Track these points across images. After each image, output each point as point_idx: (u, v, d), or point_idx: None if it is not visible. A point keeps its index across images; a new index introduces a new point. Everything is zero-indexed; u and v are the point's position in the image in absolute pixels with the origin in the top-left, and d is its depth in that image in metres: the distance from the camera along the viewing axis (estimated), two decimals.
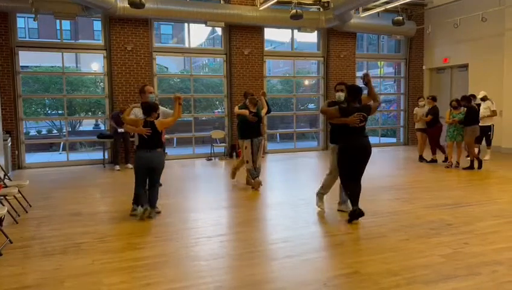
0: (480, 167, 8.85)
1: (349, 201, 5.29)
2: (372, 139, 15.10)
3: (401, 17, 11.45)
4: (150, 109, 5.36)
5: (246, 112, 7.20)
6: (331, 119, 5.30)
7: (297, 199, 6.58)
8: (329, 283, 3.47)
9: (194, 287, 3.42)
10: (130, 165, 9.76)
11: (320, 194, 5.73)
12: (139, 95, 6.01)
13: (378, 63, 16.07)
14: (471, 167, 8.89)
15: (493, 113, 9.90)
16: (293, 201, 6.49)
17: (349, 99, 5.14)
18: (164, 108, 5.94)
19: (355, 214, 5.09)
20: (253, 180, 7.26)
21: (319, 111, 6.12)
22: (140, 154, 5.38)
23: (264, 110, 7.53)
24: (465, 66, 12.89)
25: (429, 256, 3.98)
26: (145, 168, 5.37)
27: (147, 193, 5.47)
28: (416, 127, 10.44)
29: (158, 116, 5.44)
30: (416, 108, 10.41)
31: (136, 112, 5.53)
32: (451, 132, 9.08)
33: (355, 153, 5.11)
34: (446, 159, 9.48)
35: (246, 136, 7.27)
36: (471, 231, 4.73)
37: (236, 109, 7.49)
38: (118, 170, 9.88)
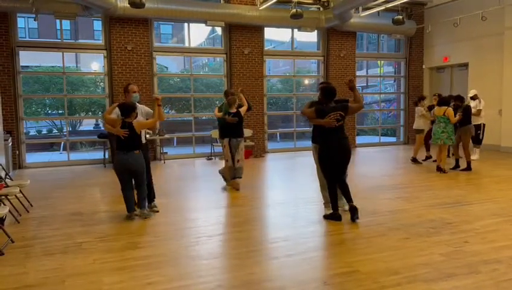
0: (469, 167, 8.62)
1: (343, 198, 5.33)
2: (372, 139, 15.01)
3: (401, 17, 11.45)
4: (128, 109, 5.24)
5: (220, 115, 7.20)
6: (310, 120, 5.30)
7: (298, 198, 6.59)
8: (330, 282, 3.48)
9: (195, 286, 3.43)
10: None
11: (327, 203, 5.56)
12: (123, 94, 5.90)
13: (378, 62, 16.08)
14: (469, 168, 8.61)
15: (477, 113, 9.74)
16: (293, 200, 6.51)
17: (322, 101, 5.15)
18: (148, 108, 5.83)
19: (337, 217, 5.14)
20: (232, 180, 7.27)
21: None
22: (118, 156, 5.30)
23: (243, 108, 7.28)
24: (465, 65, 12.90)
25: (429, 254, 3.99)
26: (124, 170, 5.29)
27: (133, 195, 5.43)
28: (420, 127, 10.01)
29: (136, 116, 5.34)
30: (421, 108, 9.95)
31: (118, 111, 5.39)
32: (450, 132, 8.37)
33: (332, 154, 5.10)
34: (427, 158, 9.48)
35: (225, 135, 7.28)
36: (471, 230, 4.74)
37: (216, 113, 7.43)
38: None
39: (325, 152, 5.13)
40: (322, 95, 5.18)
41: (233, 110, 7.12)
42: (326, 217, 5.30)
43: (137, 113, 5.37)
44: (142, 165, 5.36)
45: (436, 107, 8.68)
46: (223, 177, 7.56)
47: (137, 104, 5.51)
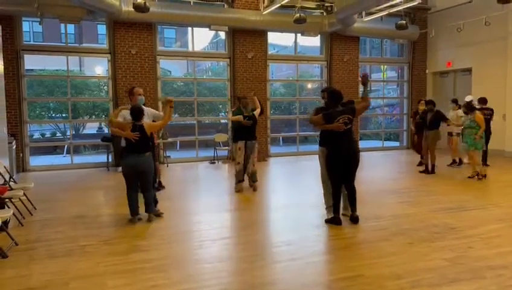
0: (433, 171, 8.86)
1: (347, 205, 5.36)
2: (375, 143, 14.92)
3: (404, 21, 11.46)
4: (139, 113, 5.27)
5: (239, 118, 7.22)
6: (318, 126, 5.32)
7: (301, 202, 6.59)
8: (333, 286, 3.47)
9: None
10: None
11: (329, 208, 5.52)
12: (128, 97, 5.86)
13: (381, 66, 16.08)
14: (427, 171, 8.90)
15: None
16: (296, 204, 6.50)
17: (330, 105, 5.16)
18: (155, 110, 5.85)
19: (337, 220, 5.14)
20: (236, 184, 7.34)
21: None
22: (128, 159, 5.30)
23: (257, 111, 7.40)
24: (468, 70, 12.88)
25: (433, 260, 3.98)
26: (134, 173, 5.30)
27: (138, 198, 5.43)
28: (455, 131, 9.78)
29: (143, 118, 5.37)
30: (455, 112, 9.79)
31: (125, 114, 5.42)
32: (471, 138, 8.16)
33: (340, 157, 5.11)
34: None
35: (240, 138, 7.35)
36: (475, 235, 4.72)
37: (230, 116, 7.59)
38: (120, 171, 9.93)
39: (333, 155, 5.15)
40: (329, 99, 5.19)
41: (247, 113, 7.26)
42: (327, 221, 5.30)
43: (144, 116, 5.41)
44: (150, 166, 5.40)
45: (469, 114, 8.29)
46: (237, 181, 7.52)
47: (143, 106, 5.55)
